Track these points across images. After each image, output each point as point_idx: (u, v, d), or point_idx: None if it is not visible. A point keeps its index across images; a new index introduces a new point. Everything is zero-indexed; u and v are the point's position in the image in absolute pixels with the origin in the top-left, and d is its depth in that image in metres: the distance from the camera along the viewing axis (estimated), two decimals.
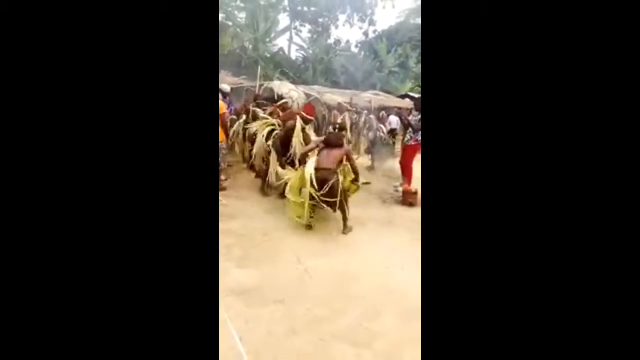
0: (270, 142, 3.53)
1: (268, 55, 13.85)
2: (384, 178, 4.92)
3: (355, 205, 3.25)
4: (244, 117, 4.40)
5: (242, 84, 6.48)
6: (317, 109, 4.71)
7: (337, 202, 2.86)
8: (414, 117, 4.17)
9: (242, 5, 13.74)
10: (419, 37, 16.25)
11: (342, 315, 1.80)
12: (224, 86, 4.59)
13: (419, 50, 15.82)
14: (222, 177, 3.78)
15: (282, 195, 3.36)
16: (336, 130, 3.44)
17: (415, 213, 3.59)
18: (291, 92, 5.22)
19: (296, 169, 3.19)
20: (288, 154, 3.36)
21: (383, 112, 7.52)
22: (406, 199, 3.85)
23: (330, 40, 17.57)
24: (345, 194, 2.95)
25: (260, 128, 3.72)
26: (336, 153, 2.94)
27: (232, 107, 4.78)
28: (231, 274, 2.15)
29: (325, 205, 2.87)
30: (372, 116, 6.47)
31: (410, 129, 4.12)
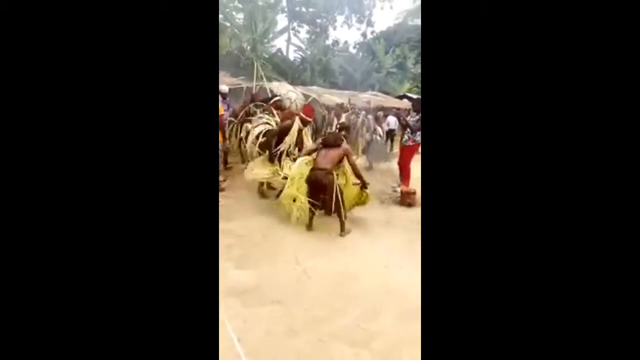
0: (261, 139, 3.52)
1: (266, 56, 13.85)
2: (382, 179, 4.93)
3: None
4: (242, 117, 4.40)
5: (240, 84, 6.47)
6: (316, 110, 4.70)
7: (332, 205, 2.78)
8: (412, 118, 4.18)
9: (240, 6, 13.74)
10: (417, 38, 16.33)
11: (341, 316, 1.81)
12: (222, 87, 4.59)
13: (417, 51, 15.89)
14: (221, 178, 3.78)
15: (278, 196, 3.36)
16: (337, 130, 3.35)
17: (414, 213, 3.60)
18: (289, 93, 5.21)
19: (275, 166, 3.20)
20: (275, 150, 3.33)
21: (380, 112, 7.54)
22: (404, 200, 3.86)
23: (329, 41, 17.59)
24: (342, 196, 2.86)
25: (253, 126, 3.71)
26: (333, 153, 2.88)
27: (231, 108, 4.77)
28: (230, 275, 2.15)
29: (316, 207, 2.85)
30: (370, 117, 6.48)
31: (408, 130, 4.13)
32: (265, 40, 14.04)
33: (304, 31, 17.83)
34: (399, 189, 4.11)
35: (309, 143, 3.51)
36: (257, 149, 3.61)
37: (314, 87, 9.62)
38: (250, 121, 4.04)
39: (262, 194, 3.72)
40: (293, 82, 10.12)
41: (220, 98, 4.12)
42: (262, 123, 3.69)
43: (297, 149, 3.37)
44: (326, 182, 2.76)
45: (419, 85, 15.27)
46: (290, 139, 3.32)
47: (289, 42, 17.45)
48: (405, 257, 2.49)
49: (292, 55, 17.37)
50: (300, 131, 3.37)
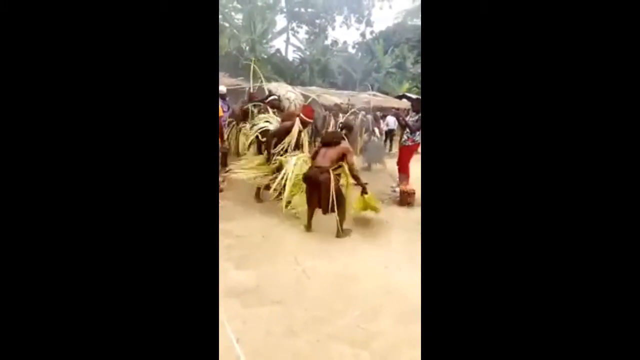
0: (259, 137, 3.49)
1: (265, 56, 13.86)
2: (381, 179, 4.93)
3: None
4: (240, 118, 4.39)
5: (239, 85, 6.47)
6: (316, 111, 4.68)
7: (328, 204, 2.74)
8: (411, 118, 4.18)
9: (239, 6, 13.75)
10: (417, 38, 16.36)
11: (341, 316, 1.80)
12: (221, 88, 4.58)
13: (416, 51, 15.92)
14: (220, 179, 3.77)
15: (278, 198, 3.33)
16: (339, 129, 3.30)
17: (413, 213, 3.60)
18: (288, 94, 5.21)
19: (271, 166, 3.20)
20: (274, 151, 3.31)
21: (378, 112, 7.54)
22: (404, 200, 3.86)
23: (328, 42, 17.60)
24: (341, 196, 2.82)
25: (251, 127, 3.69)
26: (332, 152, 2.83)
27: (231, 109, 4.76)
28: (229, 275, 2.15)
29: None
30: (369, 116, 6.48)
31: (407, 130, 4.13)
32: (264, 41, 14.05)
33: (302, 31, 17.84)
34: (398, 189, 4.10)
35: (306, 144, 3.49)
36: (254, 150, 3.60)
37: (313, 88, 9.62)
38: (248, 121, 4.03)
39: (259, 198, 3.70)
40: (292, 83, 10.13)
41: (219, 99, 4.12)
42: (262, 123, 3.68)
43: (295, 150, 3.35)
44: (321, 180, 2.73)
45: (418, 85, 15.30)
46: (289, 140, 3.29)
47: (287, 43, 17.47)
48: (405, 258, 2.48)
49: (291, 55, 17.38)
50: (299, 132, 3.35)
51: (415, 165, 4.35)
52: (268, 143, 3.35)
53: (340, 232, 2.86)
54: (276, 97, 4.18)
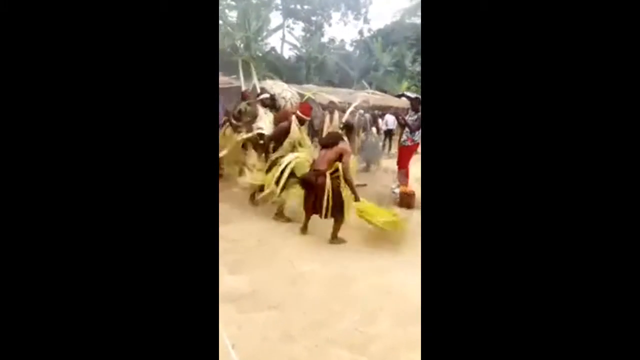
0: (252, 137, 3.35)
1: (260, 54, 13.72)
2: (380, 180, 4.83)
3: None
4: (234, 117, 4.24)
5: (231, 83, 6.31)
6: (313, 109, 4.53)
7: (323, 208, 2.65)
8: (411, 117, 4.06)
9: (233, 3, 13.58)
10: (415, 37, 16.30)
11: (338, 320, 1.77)
12: None
13: (415, 50, 15.85)
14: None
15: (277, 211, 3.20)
16: (341, 129, 3.13)
17: (413, 214, 3.49)
18: (284, 92, 5.06)
19: (273, 173, 3.04)
20: (274, 157, 3.18)
21: (376, 111, 7.42)
22: (404, 201, 3.76)
23: (324, 39, 17.48)
24: (338, 199, 2.72)
25: (243, 129, 3.55)
26: (329, 153, 2.74)
27: (224, 109, 4.60)
28: (224, 280, 2.08)
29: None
30: (367, 115, 6.36)
31: (407, 129, 4.02)
32: (259, 39, 13.91)
33: (298, 29, 17.73)
34: (397, 190, 3.99)
35: (308, 142, 3.35)
36: (248, 155, 3.45)
37: (310, 86, 9.48)
38: (241, 122, 3.89)
39: (254, 201, 3.58)
40: (288, 81, 9.98)
41: None
42: (255, 129, 3.52)
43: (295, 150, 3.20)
44: (317, 183, 2.66)
45: (417, 83, 15.22)
46: (290, 141, 3.15)
47: (283, 40, 17.31)
48: (404, 260, 2.44)
49: (287, 53, 17.24)
50: (298, 130, 3.20)
51: (414, 166, 4.25)
52: (266, 147, 3.21)
53: (334, 239, 2.77)
54: (267, 95, 4.03)
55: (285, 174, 2.88)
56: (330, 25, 17.77)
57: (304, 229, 2.88)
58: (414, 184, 4.11)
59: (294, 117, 3.20)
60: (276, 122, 3.45)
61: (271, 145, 3.22)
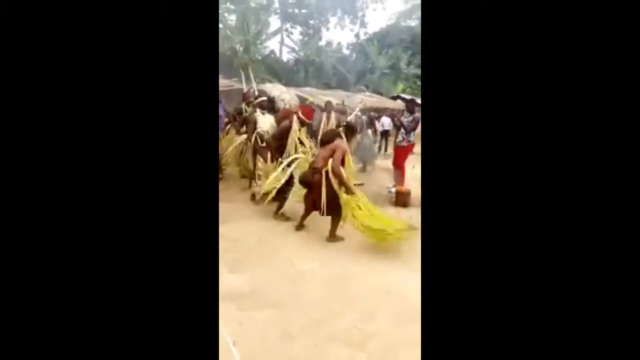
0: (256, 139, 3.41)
1: (259, 57, 13.83)
2: (376, 180, 4.93)
3: None
4: (235, 118, 4.36)
5: (232, 86, 6.43)
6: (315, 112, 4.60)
7: (322, 205, 2.64)
8: (406, 119, 4.19)
9: (232, 7, 13.71)
10: (410, 39, 16.47)
11: (338, 319, 1.80)
12: None
13: (410, 52, 16.01)
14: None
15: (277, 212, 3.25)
16: (343, 130, 3.01)
17: (409, 214, 3.60)
18: (283, 94, 5.19)
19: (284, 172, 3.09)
20: (282, 156, 3.24)
21: (372, 113, 7.55)
22: (400, 200, 3.86)
23: (322, 43, 17.62)
24: (337, 197, 2.67)
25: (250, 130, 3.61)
26: (325, 151, 2.75)
27: (225, 111, 4.72)
28: (224, 279, 2.12)
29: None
30: (364, 117, 6.48)
31: (402, 130, 4.14)
32: (258, 42, 14.02)
33: (297, 32, 17.86)
34: (394, 190, 4.11)
35: (307, 142, 3.42)
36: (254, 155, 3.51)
37: (308, 89, 9.61)
38: (242, 122, 3.99)
39: (255, 200, 3.67)
40: (287, 84, 10.11)
41: None
42: (256, 125, 3.61)
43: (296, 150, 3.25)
44: (314, 181, 2.69)
45: (412, 85, 15.39)
46: (291, 140, 3.21)
47: (282, 44, 17.46)
48: (402, 258, 2.48)
49: (286, 56, 17.36)
50: (299, 130, 3.28)
51: (410, 166, 4.38)
52: (272, 148, 3.26)
53: (331, 237, 2.78)
54: (265, 98, 4.15)
55: (287, 174, 2.94)
56: (327, 29, 17.95)
57: (299, 227, 2.92)
58: (413, 183, 4.23)
59: (295, 117, 3.26)
60: (278, 121, 3.52)
61: (276, 145, 3.25)
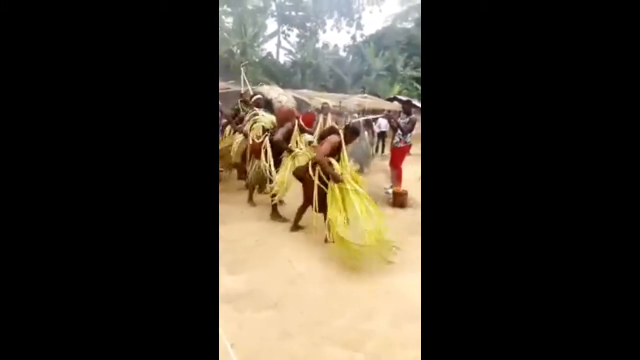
0: (265, 139, 3.38)
1: (256, 59, 13.85)
2: (373, 181, 4.95)
3: None
4: (232, 118, 4.36)
5: (229, 88, 6.44)
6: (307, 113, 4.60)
7: (314, 202, 2.58)
8: (403, 120, 4.21)
9: (229, 10, 13.73)
10: (406, 41, 16.56)
11: (336, 319, 1.80)
12: None
13: (406, 54, 16.09)
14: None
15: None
16: (344, 131, 2.92)
17: (406, 214, 3.62)
18: (280, 96, 5.20)
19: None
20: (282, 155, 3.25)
21: (369, 115, 7.58)
22: (397, 200, 3.88)
23: (319, 45, 17.67)
24: (322, 191, 2.58)
25: (255, 128, 3.58)
26: (319, 145, 2.74)
27: (223, 113, 4.72)
28: (223, 280, 2.13)
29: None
30: (361, 119, 6.50)
31: (399, 132, 4.16)
32: (255, 44, 14.05)
33: (294, 35, 17.90)
34: (391, 191, 4.12)
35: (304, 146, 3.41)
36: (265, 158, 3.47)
37: (305, 91, 9.64)
38: (239, 120, 3.99)
39: (252, 202, 3.67)
40: (284, 86, 10.13)
41: None
42: (257, 122, 3.59)
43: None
44: (306, 177, 2.68)
45: (409, 87, 15.46)
46: (293, 140, 3.21)
47: (279, 46, 17.49)
48: (400, 258, 2.48)
49: (283, 58, 17.40)
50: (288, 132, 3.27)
51: (407, 167, 4.40)
52: (280, 148, 3.20)
53: (329, 237, 2.66)
54: (261, 96, 4.15)
55: (287, 171, 2.95)
56: (324, 31, 18.02)
57: (293, 226, 2.93)
58: (406, 183, 4.25)
59: (296, 122, 3.25)
60: (279, 120, 3.49)
61: (285, 146, 3.22)
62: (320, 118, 4.91)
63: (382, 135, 7.94)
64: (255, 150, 3.46)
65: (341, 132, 2.72)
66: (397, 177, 4.24)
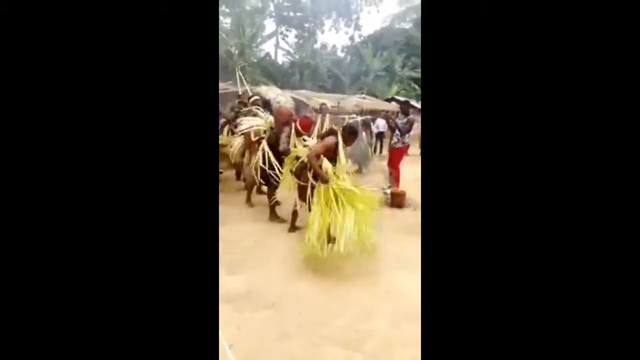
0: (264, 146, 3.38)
1: (255, 60, 13.86)
2: (371, 181, 4.96)
3: None
4: (231, 119, 4.37)
5: (228, 89, 6.44)
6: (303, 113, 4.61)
7: (308, 196, 2.56)
8: (401, 120, 4.23)
9: (227, 10, 13.72)
10: (404, 42, 16.58)
11: (335, 319, 1.81)
12: None
13: (404, 55, 16.12)
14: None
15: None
16: (343, 132, 2.87)
17: (404, 214, 3.63)
18: (278, 97, 5.19)
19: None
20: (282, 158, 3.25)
21: (368, 116, 7.60)
22: (395, 201, 3.89)
23: (317, 45, 17.69)
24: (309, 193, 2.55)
25: (255, 130, 3.58)
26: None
27: (221, 113, 4.72)
28: (221, 281, 2.12)
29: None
30: (359, 119, 6.51)
31: (397, 132, 4.17)
32: (254, 45, 14.06)
33: (292, 35, 17.91)
34: (389, 191, 4.14)
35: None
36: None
37: (303, 91, 9.65)
38: (236, 120, 4.00)
39: (251, 203, 3.68)
40: (282, 86, 10.14)
41: None
42: (253, 121, 3.58)
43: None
44: (301, 175, 2.68)
45: (407, 87, 15.49)
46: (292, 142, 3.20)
47: (277, 47, 17.50)
48: (398, 259, 2.50)
49: (281, 59, 17.41)
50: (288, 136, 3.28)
51: (405, 167, 4.41)
52: (283, 151, 3.20)
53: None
54: (259, 98, 4.16)
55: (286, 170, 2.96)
56: (322, 31, 18.04)
57: (290, 227, 2.94)
58: (404, 184, 4.26)
59: (293, 125, 3.24)
60: (277, 122, 3.49)
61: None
62: (319, 119, 4.91)
63: (380, 135, 7.96)
64: (254, 149, 3.47)
65: (339, 133, 2.72)
66: (395, 177, 4.25)
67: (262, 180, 3.27)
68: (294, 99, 6.05)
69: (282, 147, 3.20)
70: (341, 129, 2.84)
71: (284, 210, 3.34)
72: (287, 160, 3.12)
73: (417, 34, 16.18)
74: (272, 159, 3.20)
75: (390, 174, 4.33)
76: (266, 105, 4.41)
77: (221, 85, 6.85)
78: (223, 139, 4.16)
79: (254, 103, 3.93)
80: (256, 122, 3.56)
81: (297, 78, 14.90)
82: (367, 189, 2.48)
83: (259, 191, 3.79)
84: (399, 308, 1.90)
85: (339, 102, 7.81)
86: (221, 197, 3.73)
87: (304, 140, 3.08)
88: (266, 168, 3.18)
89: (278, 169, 3.12)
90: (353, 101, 8.84)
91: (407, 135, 4.15)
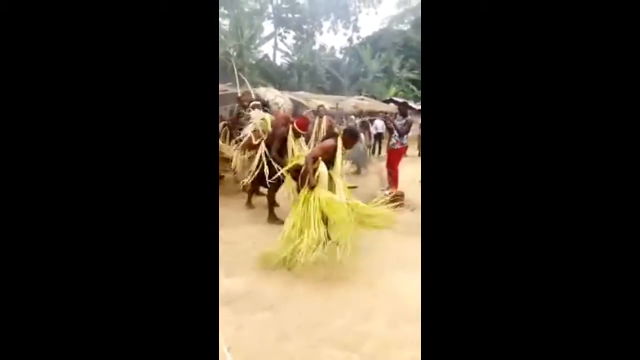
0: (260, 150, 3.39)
1: (253, 61, 13.88)
2: (370, 182, 4.97)
3: None
4: (229, 121, 4.37)
5: (226, 90, 6.44)
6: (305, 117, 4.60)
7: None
8: (399, 122, 4.24)
9: (225, 12, 13.75)
10: (403, 43, 16.64)
11: (334, 320, 1.81)
12: None
13: (402, 56, 16.18)
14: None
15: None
16: (343, 133, 2.87)
17: (402, 215, 3.63)
18: (277, 98, 5.21)
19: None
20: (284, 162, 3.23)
21: (366, 118, 7.62)
22: (393, 202, 3.89)
23: (315, 47, 17.73)
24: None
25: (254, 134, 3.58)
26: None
27: (220, 115, 4.72)
28: (221, 282, 2.10)
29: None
30: (357, 121, 6.54)
31: (395, 133, 4.18)
32: (252, 46, 14.08)
33: (290, 37, 17.95)
34: (387, 192, 4.14)
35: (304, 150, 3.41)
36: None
37: (302, 92, 9.67)
38: (237, 124, 4.01)
39: (251, 205, 3.68)
40: (280, 88, 10.15)
41: None
42: (255, 120, 3.58)
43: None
44: (300, 177, 2.68)
45: (405, 89, 15.54)
46: (290, 146, 3.19)
47: (275, 48, 17.53)
48: (396, 259, 2.50)
49: (279, 60, 17.43)
50: (285, 140, 3.27)
51: (403, 168, 4.42)
52: (274, 158, 3.20)
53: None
54: (259, 102, 4.17)
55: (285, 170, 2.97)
56: (320, 33, 18.11)
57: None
58: (402, 185, 4.27)
59: (290, 127, 3.24)
60: (274, 126, 3.47)
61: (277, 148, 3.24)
62: (316, 120, 4.91)
63: (378, 136, 7.98)
64: (250, 146, 3.46)
65: (339, 136, 2.73)
66: (393, 178, 4.26)
67: (261, 182, 3.27)
68: (292, 100, 6.06)
69: (273, 153, 3.21)
70: (342, 132, 2.84)
71: (283, 213, 3.35)
72: (289, 163, 3.13)
73: (415, 36, 16.27)
74: (272, 161, 3.21)
75: (389, 174, 4.34)
76: (265, 106, 4.42)
77: (220, 86, 6.84)
78: (224, 147, 4.15)
79: (254, 107, 3.94)
80: (257, 123, 3.56)
81: (296, 79, 14.92)
82: (381, 209, 2.41)
83: (258, 193, 3.79)
84: (397, 309, 1.90)
85: (337, 104, 7.82)
86: (220, 199, 3.74)
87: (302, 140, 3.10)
88: (265, 170, 3.18)
89: (278, 169, 3.12)
90: (352, 102, 8.86)
91: (405, 136, 4.16)
